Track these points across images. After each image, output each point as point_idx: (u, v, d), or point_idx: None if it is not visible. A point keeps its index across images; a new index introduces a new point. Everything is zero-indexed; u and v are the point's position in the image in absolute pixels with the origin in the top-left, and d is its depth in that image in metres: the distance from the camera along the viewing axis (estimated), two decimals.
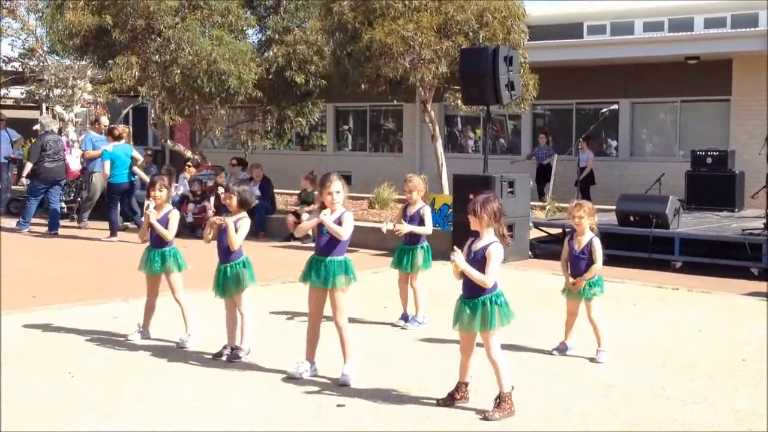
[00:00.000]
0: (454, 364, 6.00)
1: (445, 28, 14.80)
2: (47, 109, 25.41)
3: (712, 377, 6.63)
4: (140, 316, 7.76)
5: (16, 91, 26.76)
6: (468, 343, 5.80)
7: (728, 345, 7.73)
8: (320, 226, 6.38)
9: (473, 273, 5.58)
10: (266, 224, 15.53)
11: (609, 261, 10.36)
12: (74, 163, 17.32)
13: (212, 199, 15.56)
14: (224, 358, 6.97)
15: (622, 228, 12.69)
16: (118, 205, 15.32)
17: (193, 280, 8.12)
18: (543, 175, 19.20)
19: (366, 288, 9.23)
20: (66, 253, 13.32)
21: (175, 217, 7.67)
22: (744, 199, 16.07)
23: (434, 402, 5.87)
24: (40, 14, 20.57)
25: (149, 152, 20.85)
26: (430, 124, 16.63)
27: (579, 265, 7.16)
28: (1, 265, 11.15)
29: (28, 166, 15.91)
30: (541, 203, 16.92)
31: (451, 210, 13.37)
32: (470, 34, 14.78)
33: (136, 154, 15.74)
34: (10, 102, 27.54)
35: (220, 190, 7.14)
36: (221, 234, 7.04)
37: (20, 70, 23.91)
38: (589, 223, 7.15)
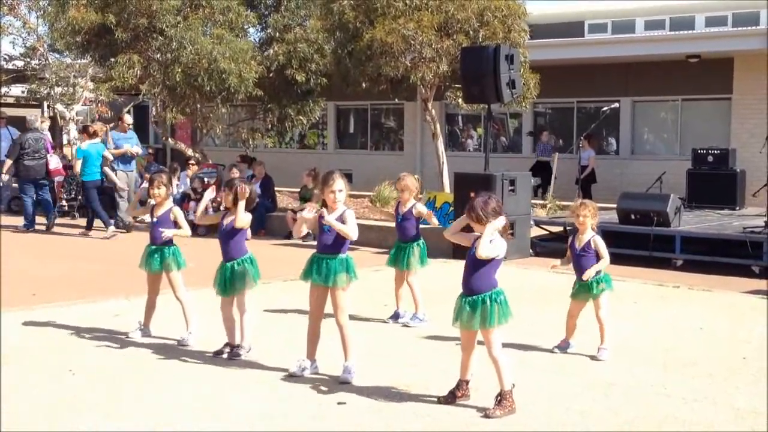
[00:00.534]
0: (455, 362, 6.00)
1: (445, 26, 14.82)
2: (48, 107, 25.44)
3: (713, 375, 6.63)
4: (141, 314, 7.76)
5: (18, 90, 26.78)
6: (469, 341, 5.80)
7: (729, 343, 7.73)
8: (322, 224, 6.38)
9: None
10: (267, 222, 15.53)
11: (610, 259, 10.40)
12: (53, 162, 17.21)
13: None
14: (225, 356, 6.97)
15: (623, 226, 12.70)
16: (97, 198, 15.43)
17: (194, 278, 8.12)
18: (540, 172, 19.16)
19: (367, 286, 9.23)
20: (65, 252, 13.32)
21: (179, 214, 7.66)
22: (745, 198, 16.07)
23: (435, 400, 5.87)
24: (42, 12, 20.58)
25: (151, 150, 20.89)
26: (431, 123, 16.63)
27: (580, 263, 7.16)
28: (2, 264, 11.17)
29: (7, 163, 15.95)
30: (542, 201, 16.92)
31: (452, 208, 13.38)
32: (471, 32, 14.80)
33: (107, 153, 15.82)
34: (11, 100, 27.56)
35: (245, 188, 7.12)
36: (225, 232, 7.02)
37: (21, 68, 23.92)
38: (591, 222, 7.17)
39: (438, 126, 16.79)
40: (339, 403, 5.83)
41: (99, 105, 22.96)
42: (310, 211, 6.40)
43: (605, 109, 17.52)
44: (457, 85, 15.37)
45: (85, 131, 15.87)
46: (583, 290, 7.19)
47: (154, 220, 7.65)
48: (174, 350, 7.24)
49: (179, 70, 16.35)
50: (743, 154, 17.19)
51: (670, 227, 12.32)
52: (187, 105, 17.61)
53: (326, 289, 6.37)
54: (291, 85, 17.99)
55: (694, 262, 11.98)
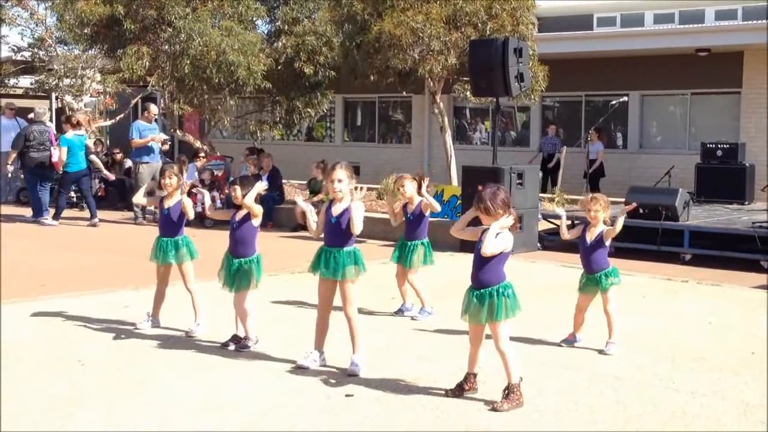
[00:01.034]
0: (463, 355, 6.00)
1: (454, 19, 14.78)
2: (56, 98, 25.46)
3: (722, 370, 6.62)
4: (150, 304, 7.78)
5: (26, 81, 26.82)
6: (477, 334, 5.80)
7: (738, 338, 7.71)
8: (329, 216, 6.38)
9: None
10: (275, 214, 15.55)
11: (618, 253, 10.41)
12: (55, 155, 17.27)
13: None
14: (232, 347, 6.98)
15: (631, 220, 12.61)
16: (70, 191, 15.77)
17: (202, 270, 8.13)
18: (547, 166, 19.14)
19: (374, 279, 9.22)
20: (74, 243, 13.35)
21: (188, 203, 7.66)
22: (754, 192, 16.02)
23: (443, 393, 5.87)
24: (51, 3, 20.60)
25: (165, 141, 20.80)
26: (439, 116, 16.62)
27: (590, 256, 7.14)
28: (11, 255, 11.19)
29: (12, 154, 15.98)
30: (549, 195, 16.90)
31: (459, 201, 13.37)
32: (479, 25, 14.76)
33: (89, 143, 15.95)
34: (20, 91, 27.61)
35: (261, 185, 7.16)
36: (236, 229, 7.02)
37: (30, 59, 23.96)
38: (603, 216, 7.15)
39: (446, 119, 16.77)
40: (347, 396, 5.83)
41: (107, 97, 22.99)
42: (304, 200, 6.50)
43: (614, 102, 17.49)
44: (465, 78, 15.35)
45: (68, 122, 15.85)
46: (592, 284, 7.17)
47: (165, 211, 7.66)
48: (182, 341, 7.25)
49: (188, 62, 16.36)
50: (752, 149, 17.15)
51: (679, 222, 12.30)
52: (195, 97, 17.62)
53: (335, 282, 6.37)
54: (299, 78, 17.99)
55: (703, 257, 11.95)
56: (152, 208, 13.69)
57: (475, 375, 5.86)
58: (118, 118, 23.59)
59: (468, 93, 15.66)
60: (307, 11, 18.51)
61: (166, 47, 16.78)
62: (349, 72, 16.19)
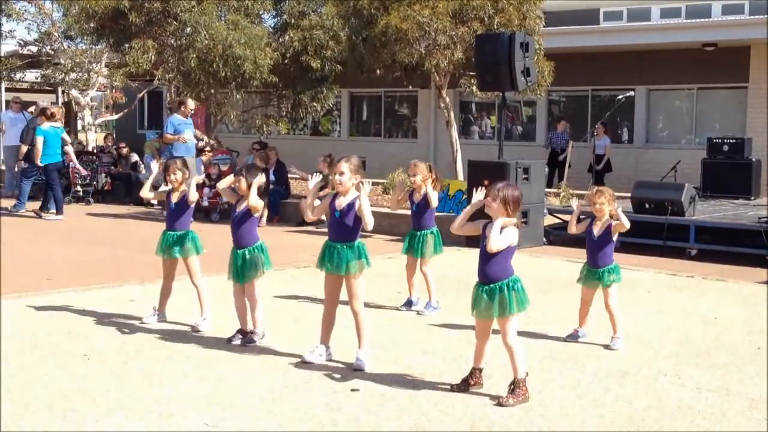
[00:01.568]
0: (468, 350, 6.01)
1: (460, 13, 14.77)
2: (63, 93, 25.48)
3: (727, 365, 6.62)
4: (156, 299, 7.79)
5: (32, 75, 26.82)
6: (484, 329, 5.81)
7: (743, 333, 7.71)
8: (333, 211, 6.39)
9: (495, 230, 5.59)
10: (281, 209, 15.56)
11: (623, 248, 10.38)
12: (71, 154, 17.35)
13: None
14: (238, 342, 7.00)
15: (637, 215, 12.63)
16: (58, 181, 15.57)
17: (208, 265, 8.14)
18: (554, 162, 19.11)
19: (380, 273, 9.25)
20: (79, 237, 13.38)
21: (192, 186, 7.64)
22: (760, 187, 15.98)
23: (448, 387, 5.88)
24: None
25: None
26: (445, 110, 16.60)
27: (596, 250, 7.14)
28: (12, 249, 11.22)
29: (23, 149, 16.00)
30: (555, 190, 16.88)
31: (465, 196, 13.36)
32: (486, 19, 14.74)
33: (65, 135, 16.00)
34: (26, 86, 27.63)
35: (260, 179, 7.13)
36: (237, 219, 7.03)
37: (36, 54, 23.96)
38: (609, 209, 7.15)
39: (452, 113, 16.76)
40: (352, 390, 5.84)
41: (113, 91, 23.01)
42: (313, 180, 6.51)
43: (620, 97, 17.44)
44: (471, 73, 15.33)
45: (42, 113, 15.71)
46: (593, 277, 7.19)
47: (171, 206, 7.67)
48: (188, 336, 7.27)
49: (194, 55, 16.35)
50: (759, 144, 17.09)
51: (685, 217, 12.28)
52: (201, 91, 17.62)
53: (340, 277, 6.38)
54: (306, 72, 17.99)
55: (709, 252, 11.94)
56: (155, 202, 13.70)
57: (480, 370, 5.87)
58: (123, 112, 23.61)
59: (474, 87, 15.64)
60: (314, 5, 18.50)
61: (172, 41, 16.78)
62: (356, 66, 16.18)
